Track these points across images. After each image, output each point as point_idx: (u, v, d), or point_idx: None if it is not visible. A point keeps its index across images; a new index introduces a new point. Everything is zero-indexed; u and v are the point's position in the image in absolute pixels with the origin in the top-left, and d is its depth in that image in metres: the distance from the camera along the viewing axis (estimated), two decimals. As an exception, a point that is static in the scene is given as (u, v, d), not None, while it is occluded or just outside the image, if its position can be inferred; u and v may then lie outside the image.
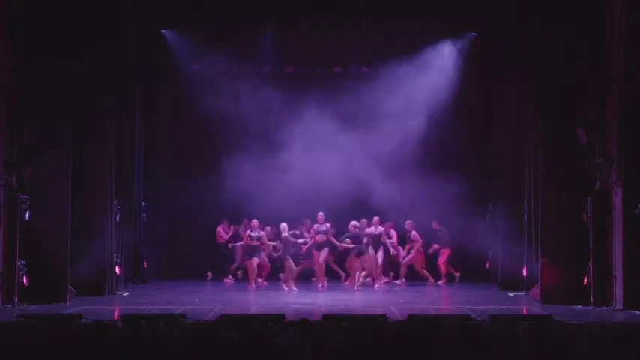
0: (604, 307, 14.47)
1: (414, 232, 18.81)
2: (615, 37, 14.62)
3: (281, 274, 18.02)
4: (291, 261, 17.59)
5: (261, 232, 17.93)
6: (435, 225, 19.13)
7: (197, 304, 14.87)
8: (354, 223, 18.29)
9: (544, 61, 15.50)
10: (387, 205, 18.78)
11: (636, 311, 14.02)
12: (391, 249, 18.49)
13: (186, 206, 19.74)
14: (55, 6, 15.05)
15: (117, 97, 16.76)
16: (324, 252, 18.06)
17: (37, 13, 14.91)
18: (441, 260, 19.04)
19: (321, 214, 18.25)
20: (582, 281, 14.82)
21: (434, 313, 13.80)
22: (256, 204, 18.87)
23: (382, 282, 18.38)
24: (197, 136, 20.22)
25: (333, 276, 18.80)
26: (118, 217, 16.90)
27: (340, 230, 18.58)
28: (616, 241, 14.59)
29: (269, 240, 18.10)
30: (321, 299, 16.09)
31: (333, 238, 18.01)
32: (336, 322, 10.18)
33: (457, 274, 19.31)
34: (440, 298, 16.06)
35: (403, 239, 19.04)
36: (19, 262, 14.47)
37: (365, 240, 18.01)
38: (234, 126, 19.11)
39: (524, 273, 16.87)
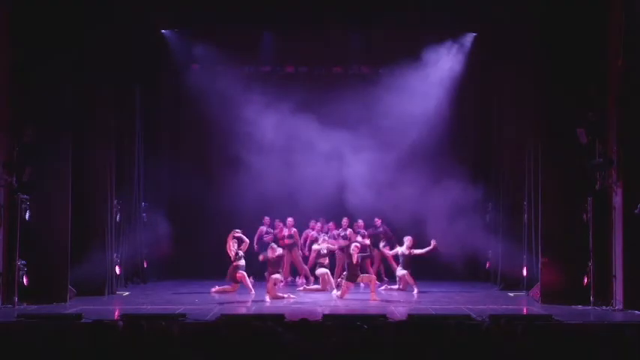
0: (604, 307, 14.48)
1: (349, 231, 18.50)
2: (615, 37, 14.63)
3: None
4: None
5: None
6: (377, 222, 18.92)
7: (197, 304, 14.86)
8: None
9: (544, 61, 15.51)
10: (386, 205, 18.82)
11: (636, 311, 14.03)
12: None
13: (187, 206, 19.75)
14: (55, 6, 15.05)
15: (117, 97, 16.77)
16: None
17: (37, 14, 14.92)
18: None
19: (290, 219, 18.54)
20: (582, 281, 14.83)
21: (434, 313, 13.82)
22: (255, 204, 18.93)
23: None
24: (197, 135, 20.23)
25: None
26: (118, 217, 16.92)
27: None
28: (616, 241, 14.60)
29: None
30: (322, 299, 16.07)
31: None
32: (336, 322, 10.17)
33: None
34: (440, 298, 16.03)
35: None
36: (19, 262, 14.48)
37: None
38: (233, 126, 19.11)
39: (524, 273, 16.88)
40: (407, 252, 17.01)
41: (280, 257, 16.38)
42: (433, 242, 17.10)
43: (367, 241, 17.89)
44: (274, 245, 16.65)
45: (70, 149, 15.25)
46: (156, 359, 7.28)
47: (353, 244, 16.30)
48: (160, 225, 19.10)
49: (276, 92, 19.08)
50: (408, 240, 17.13)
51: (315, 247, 17.60)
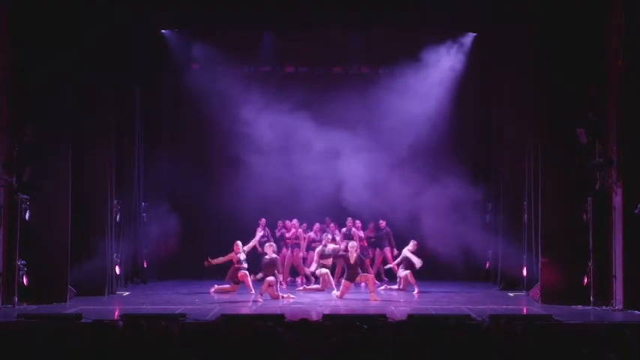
0: (604, 307, 14.47)
1: (353, 230, 18.63)
2: (615, 37, 14.63)
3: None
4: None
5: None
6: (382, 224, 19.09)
7: (197, 304, 14.86)
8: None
9: (544, 61, 15.51)
10: (386, 205, 18.83)
11: (636, 311, 14.03)
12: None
13: (187, 206, 19.75)
14: (55, 6, 15.05)
15: (117, 97, 16.77)
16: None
17: (37, 14, 14.91)
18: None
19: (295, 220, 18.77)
20: (582, 281, 14.82)
21: (434, 313, 13.81)
22: (255, 204, 18.92)
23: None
24: (197, 135, 20.23)
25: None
26: (118, 217, 16.92)
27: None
28: (616, 241, 14.60)
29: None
30: (321, 299, 16.06)
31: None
32: (336, 322, 10.16)
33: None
34: (440, 298, 16.03)
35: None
36: (19, 262, 14.48)
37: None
38: (233, 126, 19.12)
39: (524, 273, 16.88)
40: (408, 255, 17.05)
41: (273, 260, 16.25)
42: (420, 264, 17.01)
43: (364, 243, 18.40)
44: (272, 244, 16.68)
45: (70, 149, 15.25)
46: (156, 359, 7.28)
47: (350, 244, 16.34)
48: (167, 222, 19.12)
49: (276, 92, 19.09)
50: (413, 245, 17.18)
51: (318, 249, 17.57)
